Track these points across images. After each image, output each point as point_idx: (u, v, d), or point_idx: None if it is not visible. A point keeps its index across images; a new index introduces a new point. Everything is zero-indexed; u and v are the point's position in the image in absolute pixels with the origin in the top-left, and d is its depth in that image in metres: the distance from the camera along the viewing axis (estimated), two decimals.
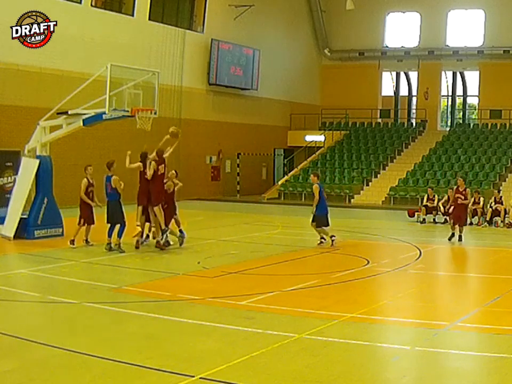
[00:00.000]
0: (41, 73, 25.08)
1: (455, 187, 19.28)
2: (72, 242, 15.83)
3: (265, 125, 37.32)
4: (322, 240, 16.83)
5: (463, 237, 18.30)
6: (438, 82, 39.45)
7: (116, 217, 15.35)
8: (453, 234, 18.38)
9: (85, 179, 16.22)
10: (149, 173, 15.32)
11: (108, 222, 15.46)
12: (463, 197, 18.45)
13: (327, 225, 16.88)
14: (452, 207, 19.02)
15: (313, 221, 16.76)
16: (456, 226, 18.40)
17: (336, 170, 34.86)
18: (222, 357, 7.69)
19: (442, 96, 41.12)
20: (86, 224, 16.13)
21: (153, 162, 15.48)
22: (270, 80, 36.96)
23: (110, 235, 15.40)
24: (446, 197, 23.54)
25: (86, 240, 16.18)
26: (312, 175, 17.45)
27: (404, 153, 35.87)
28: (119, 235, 15.25)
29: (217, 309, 10.22)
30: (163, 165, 15.68)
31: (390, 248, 17.98)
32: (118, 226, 15.35)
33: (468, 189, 19.14)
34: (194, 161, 32.06)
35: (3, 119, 24.15)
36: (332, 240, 16.62)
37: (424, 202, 23.90)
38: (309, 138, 37.65)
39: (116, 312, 10.02)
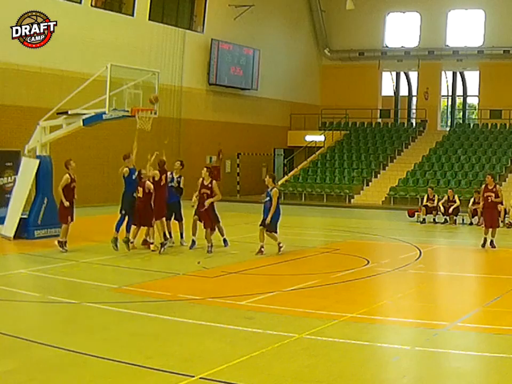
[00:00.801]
0: (41, 73, 25.10)
1: (483, 186, 17.47)
2: (61, 245, 15.22)
3: (265, 125, 37.31)
4: (262, 249, 15.36)
5: (495, 242, 16.76)
6: (438, 82, 39.46)
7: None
8: (485, 240, 16.76)
9: (67, 175, 15.49)
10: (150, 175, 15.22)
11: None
12: (493, 195, 16.62)
13: (277, 231, 15.62)
14: (482, 207, 17.17)
15: (264, 225, 15.42)
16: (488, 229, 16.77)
17: (336, 170, 34.86)
18: (222, 357, 7.69)
19: (442, 96, 41.12)
20: (71, 221, 15.51)
21: (155, 171, 15.36)
22: (270, 80, 36.96)
23: (128, 230, 15.41)
24: (446, 197, 23.57)
25: (62, 243, 15.33)
26: (268, 177, 15.74)
27: (403, 153, 35.87)
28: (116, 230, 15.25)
29: (217, 309, 10.22)
30: (165, 175, 15.43)
31: (390, 248, 17.98)
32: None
33: (498, 186, 17.17)
34: (194, 161, 32.06)
35: (3, 119, 24.16)
36: (280, 248, 15.40)
37: (424, 202, 23.90)
38: (309, 138, 37.64)
39: (116, 312, 10.01)
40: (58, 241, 15.29)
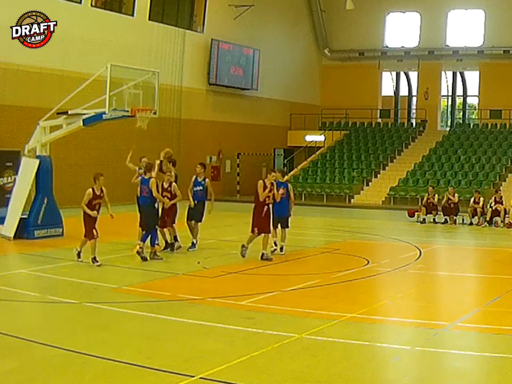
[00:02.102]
0: (41, 73, 25.09)
1: None
2: (79, 255, 13.96)
3: (265, 125, 37.31)
4: (275, 247, 15.43)
5: None
6: (438, 82, 39.46)
7: (149, 224, 14.32)
8: None
9: (90, 190, 13.69)
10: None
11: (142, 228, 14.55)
12: None
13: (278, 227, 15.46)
14: None
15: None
16: None
17: (336, 170, 34.86)
18: (222, 357, 7.69)
19: (442, 96, 41.12)
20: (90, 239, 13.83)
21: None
22: (270, 80, 36.96)
23: (151, 243, 14.41)
24: (446, 197, 23.54)
25: (94, 259, 13.69)
26: (278, 171, 15.73)
27: (403, 153, 35.87)
28: (152, 243, 14.42)
29: (217, 309, 10.22)
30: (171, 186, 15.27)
31: (390, 248, 17.98)
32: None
33: None
34: (194, 161, 32.01)
35: (3, 119, 24.16)
36: (272, 251, 15.28)
37: (425, 200, 23.79)
38: (309, 138, 37.64)
39: (116, 312, 10.01)
40: (92, 259, 13.68)
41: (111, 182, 27.84)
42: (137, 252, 14.26)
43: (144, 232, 14.51)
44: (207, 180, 16.10)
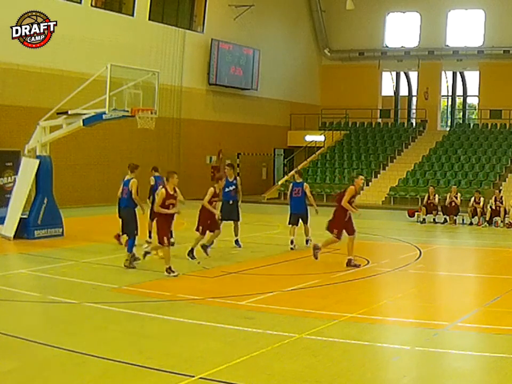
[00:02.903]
0: (41, 73, 25.10)
1: None
2: (169, 271, 12.65)
3: (265, 125, 37.31)
4: (309, 239, 16.57)
5: None
6: (438, 82, 39.47)
7: (129, 227, 13.59)
8: None
9: (163, 190, 12.63)
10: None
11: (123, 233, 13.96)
12: None
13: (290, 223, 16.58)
14: None
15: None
16: None
17: (336, 170, 34.86)
18: (222, 357, 7.69)
19: (442, 96, 41.12)
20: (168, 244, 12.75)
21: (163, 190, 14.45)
22: (270, 80, 36.97)
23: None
24: (448, 198, 23.49)
25: (169, 268, 12.65)
26: (295, 173, 17.61)
27: (403, 153, 35.87)
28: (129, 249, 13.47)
29: (217, 309, 10.22)
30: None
31: (390, 248, 17.98)
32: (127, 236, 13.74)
33: None
34: (194, 161, 32.10)
35: (3, 119, 24.17)
36: (291, 248, 16.24)
37: (426, 200, 23.78)
38: (309, 138, 37.64)
39: (115, 312, 10.01)
40: (166, 269, 12.63)
41: (111, 182, 27.92)
42: (124, 265, 13.25)
43: (128, 238, 13.68)
44: (238, 178, 16.50)
